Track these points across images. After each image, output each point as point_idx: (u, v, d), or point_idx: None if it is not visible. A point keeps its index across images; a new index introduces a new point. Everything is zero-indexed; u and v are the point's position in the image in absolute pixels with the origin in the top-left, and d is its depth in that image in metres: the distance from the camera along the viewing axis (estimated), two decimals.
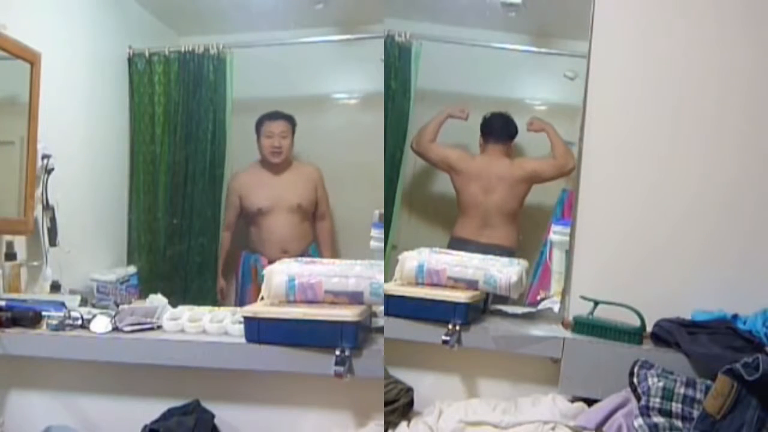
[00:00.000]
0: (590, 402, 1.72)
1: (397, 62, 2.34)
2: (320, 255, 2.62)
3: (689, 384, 1.56)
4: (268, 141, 2.62)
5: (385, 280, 1.84)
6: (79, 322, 1.81)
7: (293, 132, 2.64)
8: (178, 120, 2.61)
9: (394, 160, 2.31)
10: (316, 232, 2.69)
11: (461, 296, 1.81)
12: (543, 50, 2.34)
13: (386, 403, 1.78)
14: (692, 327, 1.74)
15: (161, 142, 2.62)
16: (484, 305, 1.99)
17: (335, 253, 2.67)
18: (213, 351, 1.71)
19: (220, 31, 2.65)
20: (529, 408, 1.74)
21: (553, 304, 1.97)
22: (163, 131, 2.62)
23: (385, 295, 1.77)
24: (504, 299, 1.99)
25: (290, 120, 2.64)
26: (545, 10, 2.28)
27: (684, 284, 1.89)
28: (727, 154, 1.89)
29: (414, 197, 2.40)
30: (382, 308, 1.81)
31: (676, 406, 1.54)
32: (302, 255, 2.45)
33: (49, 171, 2.12)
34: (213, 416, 1.78)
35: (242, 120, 2.63)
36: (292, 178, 2.67)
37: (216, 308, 1.91)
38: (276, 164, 2.64)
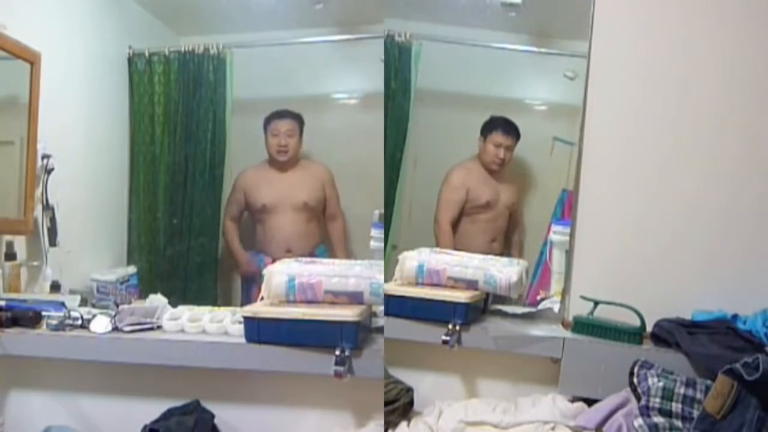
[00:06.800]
0: (590, 402, 1.72)
1: (397, 62, 2.33)
2: (332, 256, 2.59)
3: (689, 384, 1.56)
4: (274, 140, 2.60)
5: (385, 280, 1.84)
6: (79, 322, 1.81)
7: (301, 131, 2.62)
8: (178, 120, 2.61)
9: (394, 160, 2.31)
10: (329, 232, 2.66)
11: (461, 296, 1.81)
12: (543, 50, 2.34)
13: (386, 403, 1.78)
14: (692, 327, 1.74)
15: (161, 142, 2.62)
16: (484, 305, 1.98)
17: (349, 254, 2.63)
18: (213, 351, 1.71)
19: (220, 31, 2.65)
20: (529, 408, 1.74)
21: (553, 304, 1.97)
22: (163, 131, 2.62)
23: (385, 295, 1.77)
24: (504, 299, 1.99)
25: (298, 118, 2.61)
26: (545, 10, 2.28)
27: (684, 284, 1.89)
28: (727, 153, 1.88)
29: (414, 197, 2.40)
30: (382, 308, 1.81)
31: (676, 406, 1.54)
32: (309, 255, 2.43)
33: (49, 171, 2.12)
34: (213, 416, 1.78)
35: (242, 120, 2.63)
36: (298, 177, 2.64)
37: (216, 308, 1.91)
38: (282, 162, 2.62)
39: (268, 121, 2.61)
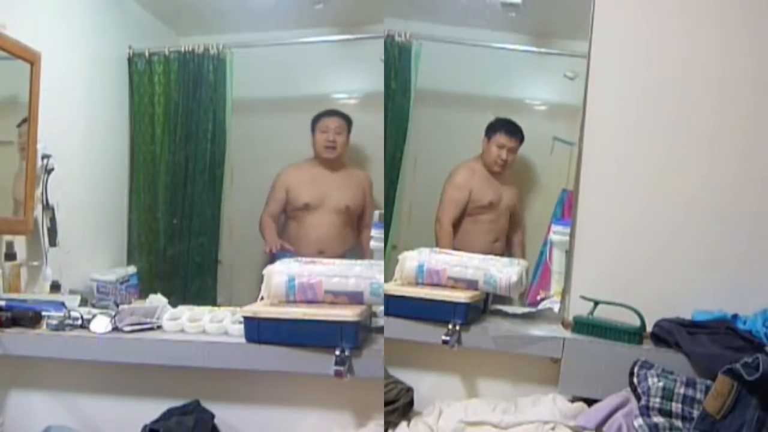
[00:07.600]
0: (590, 402, 1.72)
1: (397, 62, 2.33)
2: None
3: (689, 384, 1.56)
4: (323, 136, 2.58)
5: (385, 280, 1.84)
6: (79, 322, 1.81)
7: (349, 131, 2.61)
8: (178, 120, 2.61)
9: (394, 160, 2.31)
10: (361, 240, 2.63)
11: (461, 296, 1.81)
12: (543, 50, 2.34)
13: (386, 403, 1.78)
14: (692, 327, 1.74)
15: (161, 142, 2.62)
16: (484, 305, 1.99)
17: None
18: (213, 351, 1.71)
19: (220, 31, 2.65)
20: (529, 408, 1.74)
21: (553, 304, 1.97)
22: (163, 131, 2.62)
23: (385, 295, 1.76)
24: (504, 299, 1.99)
25: (346, 118, 2.61)
26: (545, 10, 2.28)
27: (684, 284, 1.89)
28: (727, 154, 1.88)
29: (414, 197, 2.40)
30: (382, 308, 1.81)
31: (676, 406, 1.54)
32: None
33: (49, 171, 2.12)
34: (213, 416, 1.78)
35: (242, 120, 2.63)
36: (344, 179, 2.63)
37: (216, 308, 1.91)
38: (330, 161, 2.60)
39: (316, 120, 2.60)
